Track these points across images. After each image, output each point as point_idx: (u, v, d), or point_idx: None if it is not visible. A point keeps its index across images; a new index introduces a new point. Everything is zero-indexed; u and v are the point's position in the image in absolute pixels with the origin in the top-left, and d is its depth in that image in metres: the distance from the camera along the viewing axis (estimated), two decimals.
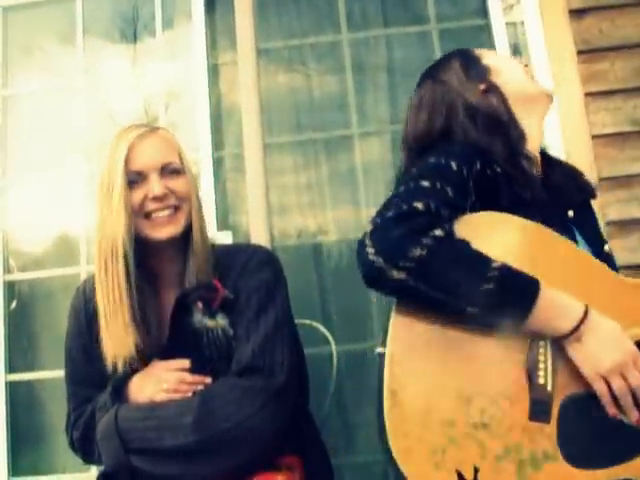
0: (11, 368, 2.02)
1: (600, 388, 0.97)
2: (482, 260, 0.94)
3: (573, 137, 1.92)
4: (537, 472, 0.94)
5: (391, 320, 0.99)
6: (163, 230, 1.24)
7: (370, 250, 0.94)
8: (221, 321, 1.24)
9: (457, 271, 0.94)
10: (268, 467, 1.19)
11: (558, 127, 1.93)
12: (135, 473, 1.15)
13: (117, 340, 1.21)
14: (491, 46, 2.04)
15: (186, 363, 1.23)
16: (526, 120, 1.20)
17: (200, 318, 1.23)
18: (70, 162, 2.12)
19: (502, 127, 1.16)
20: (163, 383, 1.20)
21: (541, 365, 0.98)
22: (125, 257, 1.19)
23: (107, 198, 1.22)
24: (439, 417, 0.95)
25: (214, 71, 2.13)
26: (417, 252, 0.91)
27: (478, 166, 1.07)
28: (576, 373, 0.98)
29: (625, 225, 1.89)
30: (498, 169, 1.09)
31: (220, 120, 2.10)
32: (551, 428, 0.96)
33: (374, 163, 2.08)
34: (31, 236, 2.13)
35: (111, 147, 1.25)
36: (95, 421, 1.22)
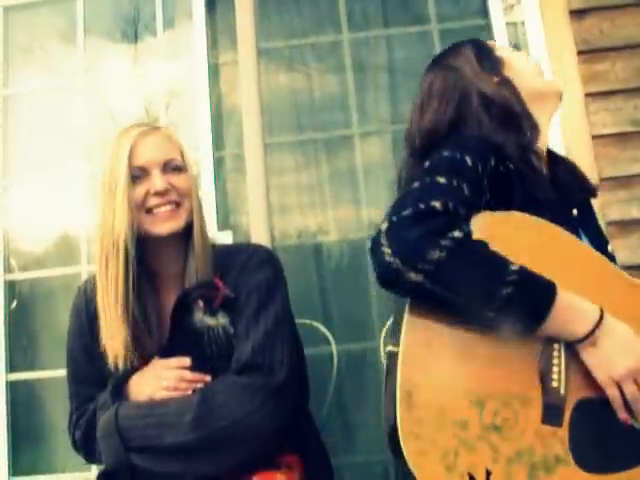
0: (11, 367, 2.01)
1: (612, 393, 0.96)
2: (501, 263, 0.92)
3: (573, 137, 1.92)
4: (549, 476, 0.94)
5: (404, 320, 0.97)
6: (164, 225, 1.24)
7: (387, 250, 0.91)
8: (222, 319, 1.24)
9: (475, 274, 0.92)
10: (268, 466, 1.19)
11: (558, 127, 1.93)
12: (135, 471, 1.16)
13: (111, 335, 1.22)
14: None
15: (186, 361, 1.23)
16: (536, 117, 1.18)
17: (201, 317, 1.24)
18: (70, 162, 2.12)
19: (516, 120, 1.14)
20: (163, 381, 1.20)
21: (555, 368, 0.97)
22: (126, 253, 1.20)
23: (110, 194, 1.22)
24: (452, 419, 0.94)
25: (215, 71, 2.13)
26: (435, 254, 0.89)
27: (492, 162, 1.04)
28: (589, 377, 0.97)
29: (625, 225, 1.89)
30: (511, 166, 1.07)
31: (221, 120, 2.10)
32: (563, 432, 0.96)
33: (375, 163, 2.08)
34: (32, 236, 2.13)
35: (113, 145, 1.26)
36: (97, 420, 1.23)
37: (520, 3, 2.09)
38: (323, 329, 1.91)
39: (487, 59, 1.21)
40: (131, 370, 1.24)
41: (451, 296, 0.92)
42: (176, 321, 1.25)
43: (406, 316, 0.97)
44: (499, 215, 1.01)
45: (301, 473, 1.25)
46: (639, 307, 1.02)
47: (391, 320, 1.89)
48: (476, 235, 0.94)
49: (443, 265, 0.89)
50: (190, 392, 1.19)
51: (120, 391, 1.23)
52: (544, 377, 0.96)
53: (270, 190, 1.79)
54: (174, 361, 1.23)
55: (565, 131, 1.92)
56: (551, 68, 1.99)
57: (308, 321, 1.89)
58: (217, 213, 1.99)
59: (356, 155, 2.08)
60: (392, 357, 1.00)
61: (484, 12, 2.12)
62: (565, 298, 0.94)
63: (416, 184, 0.98)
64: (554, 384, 0.97)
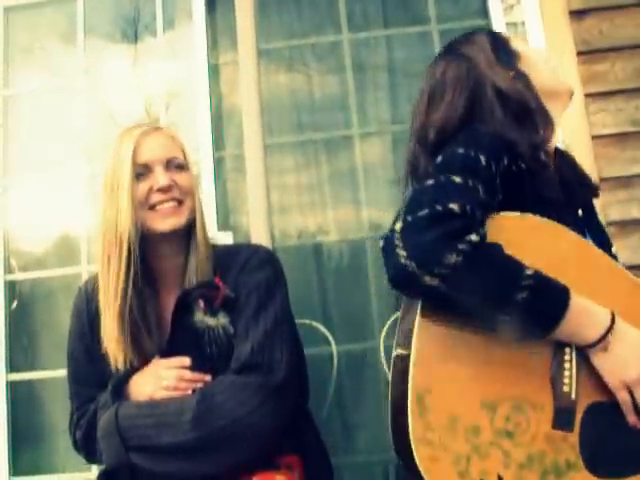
0: (12, 367, 2.01)
1: (623, 397, 0.96)
2: (516, 267, 0.91)
3: (573, 137, 1.92)
4: None
5: (416, 323, 0.96)
6: (167, 221, 1.25)
7: (402, 253, 0.89)
8: (222, 319, 1.24)
9: (491, 279, 0.90)
10: (268, 466, 1.19)
11: (558, 127, 1.93)
12: (135, 471, 1.16)
13: (111, 335, 1.22)
14: None
15: (186, 361, 1.23)
16: None
17: (201, 317, 1.24)
18: (71, 162, 2.12)
19: (530, 116, 1.11)
20: (163, 381, 1.21)
21: (566, 372, 0.97)
22: (129, 251, 1.20)
23: (113, 192, 1.23)
24: (464, 424, 0.93)
25: (215, 71, 2.13)
26: (452, 258, 0.87)
27: (505, 162, 1.02)
28: (599, 381, 0.97)
29: (625, 225, 1.89)
30: (522, 165, 1.05)
31: (221, 120, 2.10)
32: (574, 437, 0.95)
33: (375, 163, 2.08)
34: (32, 236, 2.14)
35: (116, 144, 1.27)
36: (97, 420, 1.23)
37: (520, 3, 2.10)
38: (323, 329, 1.92)
39: (503, 51, 1.17)
40: (131, 370, 1.25)
41: (465, 300, 0.91)
42: (176, 321, 1.25)
43: (418, 319, 0.96)
44: (510, 216, 1.00)
45: (301, 473, 1.25)
46: None
47: (393, 320, 1.89)
48: (489, 237, 0.93)
49: (459, 269, 0.87)
50: (190, 392, 1.20)
51: (120, 391, 1.23)
52: (555, 381, 0.96)
53: (270, 190, 1.79)
54: (174, 361, 1.23)
55: (565, 131, 1.92)
56: None
57: (308, 321, 1.89)
58: (217, 213, 1.99)
59: (356, 155, 2.08)
60: (401, 360, 0.98)
61: (484, 12, 2.12)
62: (578, 303, 0.94)
63: (430, 182, 0.95)
64: (565, 388, 0.96)
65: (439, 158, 1.02)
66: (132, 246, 1.21)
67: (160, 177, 1.25)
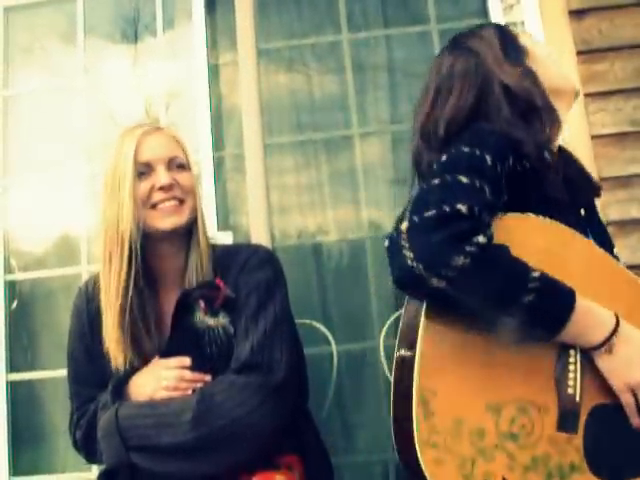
0: (12, 367, 2.02)
1: (627, 399, 0.96)
2: (523, 270, 0.90)
3: (573, 137, 1.92)
4: None
5: (421, 325, 0.95)
6: (168, 220, 1.25)
7: (408, 254, 0.87)
8: (222, 319, 1.24)
9: (498, 281, 0.89)
10: (267, 466, 1.19)
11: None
12: (135, 471, 1.16)
13: (112, 335, 1.22)
14: None
15: (186, 361, 1.23)
16: None
17: (202, 317, 1.24)
18: (71, 162, 2.12)
19: (537, 114, 1.10)
20: (163, 381, 1.21)
21: (571, 375, 0.96)
22: (130, 250, 1.20)
23: (114, 191, 1.23)
24: (469, 427, 0.92)
25: (215, 71, 2.13)
26: (460, 261, 0.85)
27: (510, 162, 1.01)
28: (603, 383, 0.97)
29: (625, 225, 1.89)
30: (527, 165, 1.04)
31: (220, 120, 2.10)
32: (578, 439, 0.95)
33: (374, 163, 2.08)
34: (32, 236, 2.14)
35: (117, 144, 1.28)
36: (97, 420, 1.23)
37: (519, 3, 2.10)
38: (323, 329, 1.92)
39: (511, 47, 1.16)
40: (131, 370, 1.25)
41: (472, 302, 0.91)
42: (176, 321, 1.25)
43: (423, 321, 0.95)
44: (514, 217, 0.99)
45: (301, 473, 1.25)
46: None
47: (392, 319, 1.89)
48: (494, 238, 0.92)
49: (467, 272, 0.86)
50: (190, 392, 1.20)
51: (120, 391, 1.23)
52: (559, 383, 0.96)
53: (270, 190, 1.79)
54: (174, 361, 1.23)
55: (564, 131, 1.92)
56: None
57: (308, 321, 1.90)
58: (217, 213, 1.99)
59: (356, 155, 2.08)
60: (405, 362, 0.98)
61: (484, 12, 2.12)
62: (583, 305, 0.93)
63: (436, 181, 0.94)
64: (570, 390, 0.96)
65: (443, 157, 1.00)
66: (133, 245, 1.21)
67: (162, 176, 1.25)
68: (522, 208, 1.00)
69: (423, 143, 1.18)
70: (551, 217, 1.01)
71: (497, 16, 2.08)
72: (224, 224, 2.01)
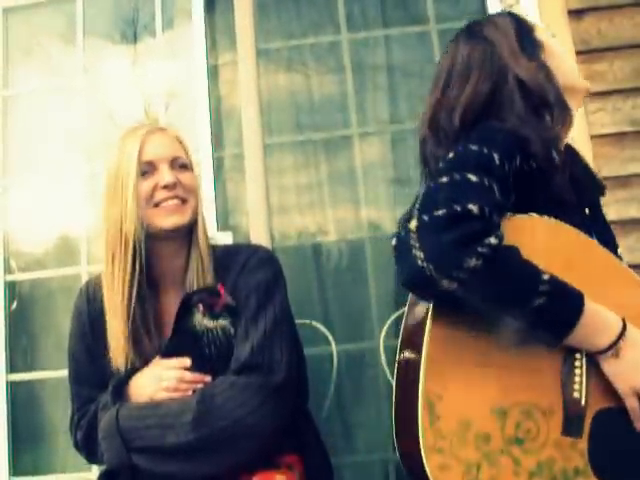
0: (12, 368, 2.02)
1: (632, 403, 0.96)
2: (533, 272, 0.89)
3: (572, 137, 1.92)
4: None
5: (427, 328, 0.94)
6: (170, 218, 1.25)
7: (418, 254, 0.85)
8: (222, 321, 1.24)
9: (509, 284, 0.88)
10: (268, 466, 1.19)
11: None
12: (136, 471, 1.16)
13: (115, 335, 1.22)
14: None
15: (186, 362, 1.23)
16: None
17: (201, 319, 1.24)
18: (70, 162, 2.12)
19: (550, 109, 1.08)
20: (163, 382, 1.21)
21: (576, 378, 0.96)
22: (134, 249, 1.20)
23: (117, 190, 1.23)
24: (475, 432, 0.91)
25: (214, 71, 2.13)
26: (472, 262, 0.83)
27: (517, 161, 0.99)
28: (608, 387, 0.96)
29: (624, 225, 1.89)
30: (534, 164, 1.01)
31: (220, 120, 2.10)
32: (582, 443, 0.95)
33: (374, 163, 2.08)
34: (31, 236, 2.14)
35: (120, 143, 1.28)
36: (98, 421, 1.23)
37: (519, 3, 2.10)
38: (323, 329, 1.92)
39: (527, 40, 1.13)
40: (132, 371, 1.25)
41: (482, 304, 0.90)
42: (176, 322, 1.25)
43: (429, 324, 0.94)
44: (520, 218, 0.98)
45: (301, 473, 1.25)
46: None
47: (393, 319, 1.88)
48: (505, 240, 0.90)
49: (478, 273, 0.85)
50: (190, 393, 1.20)
51: (121, 392, 1.23)
52: (565, 387, 0.95)
53: (270, 190, 1.79)
54: (174, 362, 1.23)
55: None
56: None
57: (308, 321, 1.90)
58: (217, 213, 1.99)
59: (355, 155, 2.08)
60: (409, 364, 0.97)
61: (483, 12, 2.11)
62: (591, 309, 0.93)
63: (445, 179, 0.91)
64: (575, 394, 0.96)
65: (451, 154, 0.98)
66: (137, 244, 1.21)
67: (165, 175, 1.26)
68: (528, 208, 0.99)
69: (432, 136, 1.16)
70: (556, 217, 1.00)
71: None
72: (224, 224, 2.01)
